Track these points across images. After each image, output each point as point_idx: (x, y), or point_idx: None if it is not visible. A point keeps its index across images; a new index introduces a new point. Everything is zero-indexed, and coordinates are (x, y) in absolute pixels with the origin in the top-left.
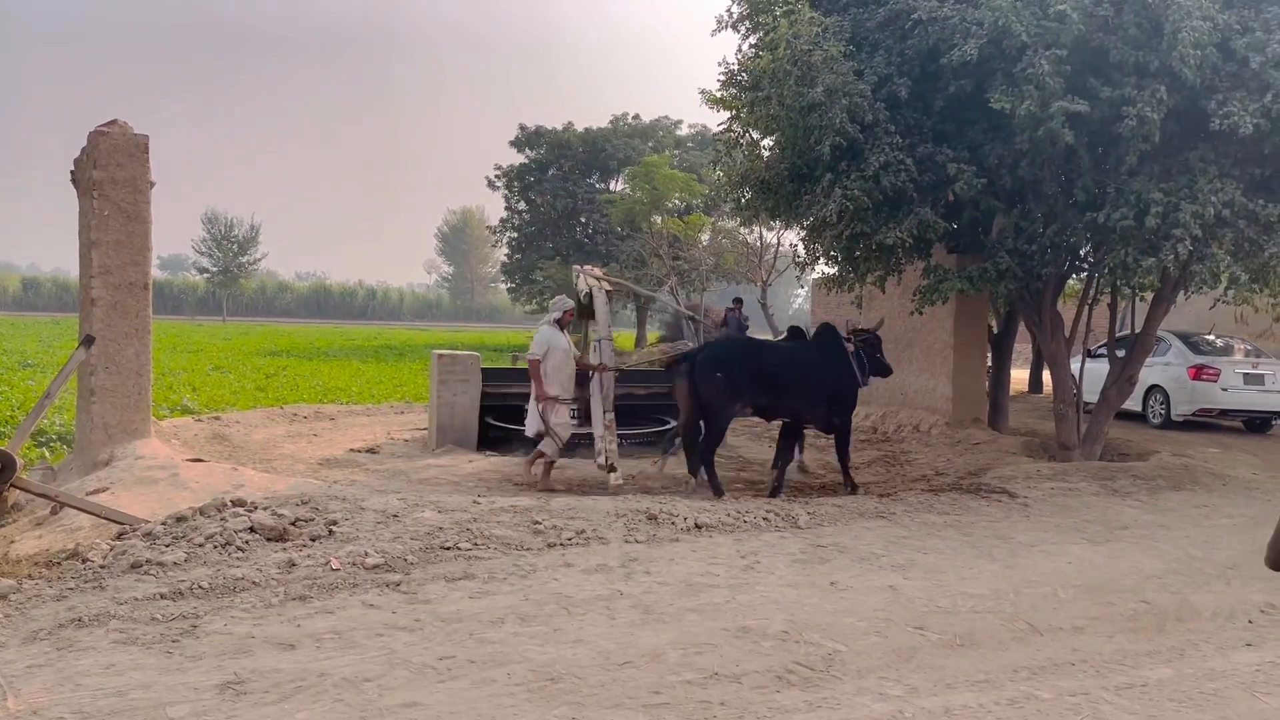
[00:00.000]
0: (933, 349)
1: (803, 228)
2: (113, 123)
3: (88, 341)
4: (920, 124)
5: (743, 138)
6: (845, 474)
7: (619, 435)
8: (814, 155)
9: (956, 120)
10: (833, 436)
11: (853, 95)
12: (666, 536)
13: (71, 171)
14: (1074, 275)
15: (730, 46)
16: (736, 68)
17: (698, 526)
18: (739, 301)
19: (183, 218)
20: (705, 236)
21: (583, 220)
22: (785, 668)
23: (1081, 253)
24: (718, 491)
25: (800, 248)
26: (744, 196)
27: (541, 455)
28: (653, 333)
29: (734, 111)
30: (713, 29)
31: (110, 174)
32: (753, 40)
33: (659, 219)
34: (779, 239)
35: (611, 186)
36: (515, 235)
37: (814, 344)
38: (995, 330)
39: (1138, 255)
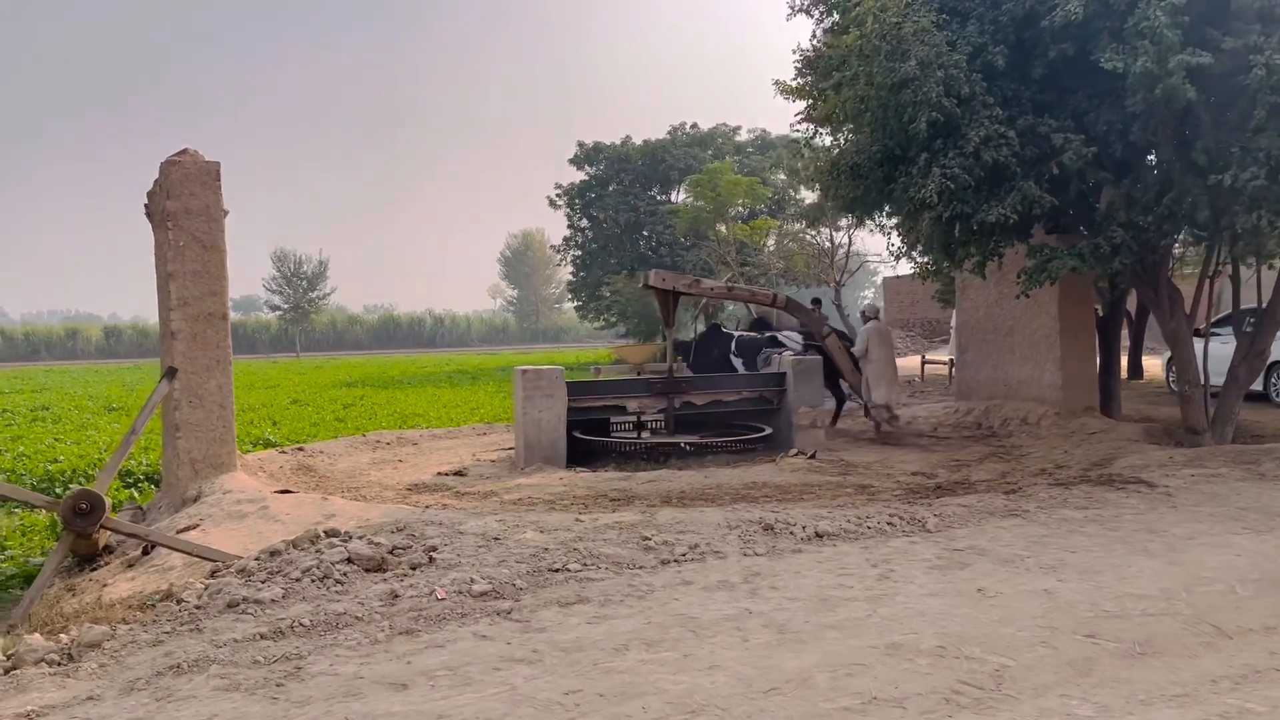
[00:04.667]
0: (1036, 336)
1: (896, 214)
2: (183, 152)
3: (170, 374)
4: (1019, 95)
5: (823, 126)
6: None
7: (710, 443)
8: (908, 134)
9: (1057, 88)
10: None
11: (948, 67)
12: (787, 547)
13: (145, 205)
14: (1194, 246)
15: (793, 39)
16: (813, 53)
17: (818, 535)
18: (818, 302)
19: (251, 259)
20: (771, 241)
21: (645, 233)
22: (950, 688)
23: (1200, 219)
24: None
25: (894, 236)
26: (835, 186)
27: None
28: None
29: (811, 100)
30: (786, 14)
31: (184, 203)
32: (826, 25)
33: (723, 227)
34: (850, 238)
35: (673, 197)
36: (579, 253)
37: None
38: (1101, 313)
39: (1271, 218)
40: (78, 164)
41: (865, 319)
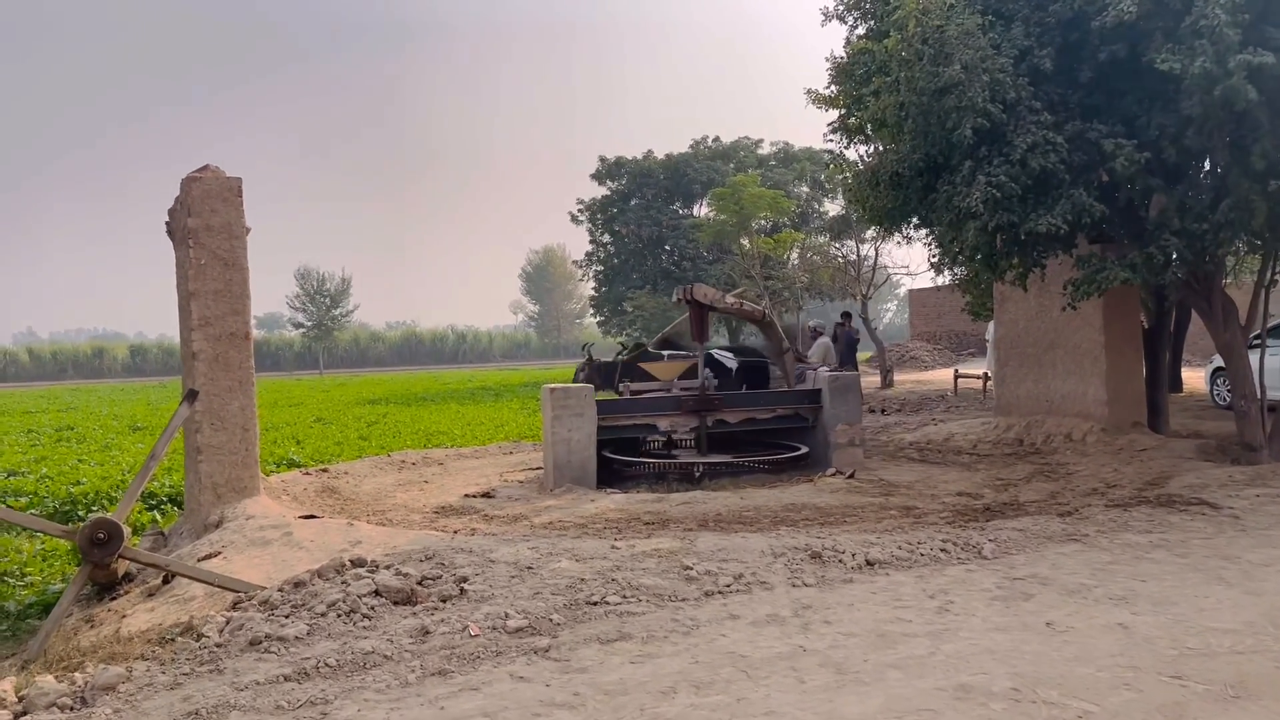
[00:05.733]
0: (1080, 349)
1: (936, 225)
2: (205, 168)
3: (191, 396)
4: (1066, 99)
5: (856, 135)
6: None
7: (741, 463)
8: (951, 141)
9: (1106, 91)
10: None
11: (993, 71)
12: (837, 577)
13: (166, 222)
14: (1251, 254)
15: (820, 50)
16: (846, 61)
17: (869, 563)
18: (848, 315)
19: (275, 277)
20: (795, 254)
21: (668, 247)
22: None
23: (1257, 227)
24: None
25: (933, 247)
26: (872, 196)
27: None
28: None
29: (844, 109)
30: (820, 20)
31: (205, 220)
32: (861, 30)
33: (746, 240)
34: (876, 250)
35: (695, 211)
36: (601, 268)
37: None
38: (1147, 325)
39: None
40: (105, 182)
41: (817, 334)
